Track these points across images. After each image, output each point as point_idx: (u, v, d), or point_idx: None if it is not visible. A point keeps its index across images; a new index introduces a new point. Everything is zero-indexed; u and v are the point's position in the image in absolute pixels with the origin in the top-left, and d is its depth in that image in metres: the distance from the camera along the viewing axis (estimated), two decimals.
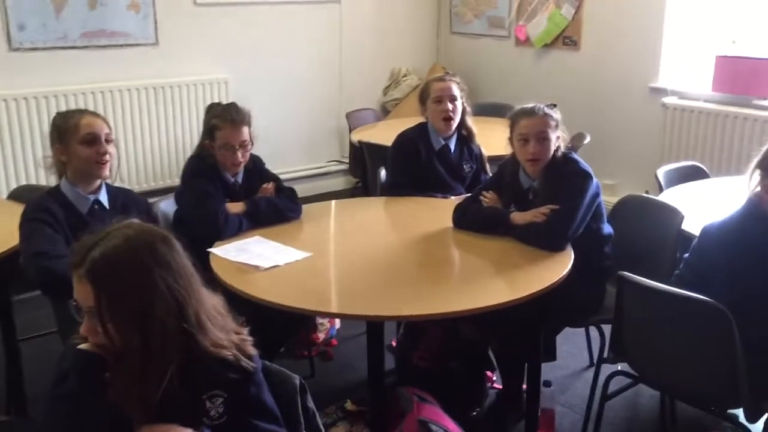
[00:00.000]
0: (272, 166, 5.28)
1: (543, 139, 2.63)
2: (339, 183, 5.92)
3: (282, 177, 5.33)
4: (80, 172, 2.44)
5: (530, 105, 2.70)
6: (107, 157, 2.44)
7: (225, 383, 1.49)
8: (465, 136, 3.38)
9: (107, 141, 2.45)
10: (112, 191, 2.55)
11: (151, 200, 3.13)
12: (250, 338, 1.58)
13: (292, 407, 1.68)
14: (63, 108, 4.53)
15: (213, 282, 2.38)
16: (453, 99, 3.26)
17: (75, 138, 2.40)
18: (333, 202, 3.32)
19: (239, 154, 2.82)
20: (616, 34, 5.05)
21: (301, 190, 5.50)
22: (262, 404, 1.57)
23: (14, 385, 2.82)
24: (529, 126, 2.64)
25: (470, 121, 3.38)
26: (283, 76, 5.54)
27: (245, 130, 2.84)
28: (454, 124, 3.29)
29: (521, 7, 5.61)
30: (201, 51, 5.12)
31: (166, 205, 2.99)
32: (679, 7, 4.75)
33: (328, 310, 2.19)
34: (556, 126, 2.67)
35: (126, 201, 2.53)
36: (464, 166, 3.37)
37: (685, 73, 4.83)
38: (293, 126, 5.69)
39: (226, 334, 1.52)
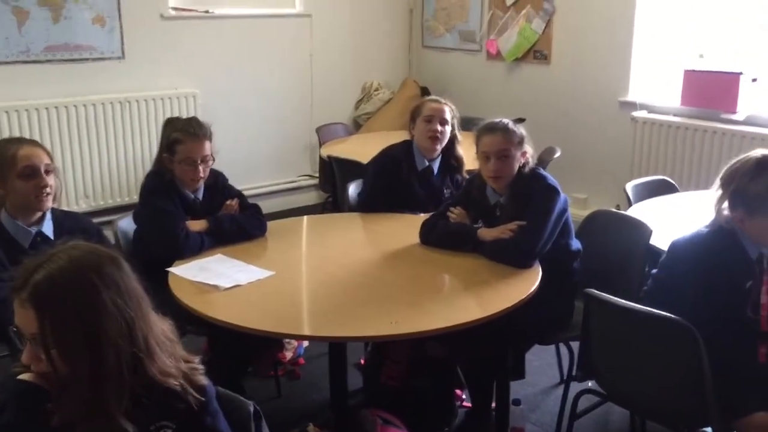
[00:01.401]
0: (242, 180, 5.22)
1: (504, 156, 2.61)
2: (310, 198, 5.86)
3: (252, 192, 5.42)
4: (19, 206, 2.35)
5: (493, 121, 2.67)
6: (47, 190, 2.35)
7: (174, 413, 1.43)
8: (454, 166, 3.35)
9: (47, 172, 2.35)
10: (58, 218, 2.46)
11: (112, 218, 3.07)
12: (200, 367, 1.52)
13: None
14: (25, 124, 4.47)
15: (165, 305, 2.32)
16: (443, 122, 3.24)
17: (12, 171, 2.29)
18: (300, 218, 3.27)
19: (200, 169, 2.76)
20: (586, 48, 5.06)
21: (272, 205, 5.49)
22: None
23: None
24: (490, 144, 2.62)
25: (461, 150, 3.35)
26: (253, 89, 5.49)
27: (207, 144, 2.78)
28: (440, 146, 3.26)
29: (492, 21, 5.62)
30: (169, 65, 5.05)
31: (126, 224, 2.92)
32: (648, 22, 4.78)
33: (287, 332, 2.14)
34: (520, 142, 2.65)
35: (73, 227, 2.43)
36: (445, 191, 3.33)
37: (654, 88, 4.86)
38: (264, 140, 5.63)
39: (175, 362, 1.46)
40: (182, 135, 2.75)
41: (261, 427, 1.67)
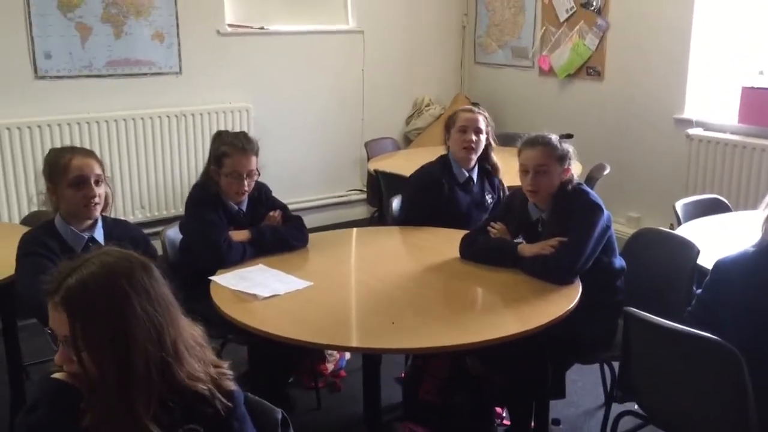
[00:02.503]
0: (293, 193, 5.31)
1: (542, 171, 2.58)
2: (360, 212, 5.90)
3: (302, 205, 5.49)
4: (70, 213, 2.42)
5: (535, 135, 2.65)
6: (96, 200, 2.40)
7: (202, 417, 1.46)
8: (488, 170, 3.35)
9: (97, 183, 2.41)
10: (109, 225, 2.53)
11: (157, 229, 3.14)
12: (229, 372, 1.54)
13: None
14: (86, 135, 4.63)
15: (209, 313, 2.36)
16: (478, 131, 3.23)
17: (64, 180, 2.37)
18: (342, 230, 3.30)
19: (245, 183, 2.81)
20: (640, 64, 4.97)
21: (322, 218, 5.56)
22: None
23: (18, 410, 2.82)
24: (529, 157, 2.60)
25: (495, 157, 3.35)
26: (305, 104, 5.57)
27: (253, 159, 2.84)
28: (475, 156, 3.25)
29: (545, 37, 5.58)
30: (224, 79, 5.17)
31: (174, 233, 2.99)
32: (705, 38, 4.67)
33: (322, 342, 2.14)
34: (562, 158, 2.61)
35: (122, 235, 2.49)
36: (486, 197, 3.33)
37: (711, 105, 4.73)
38: (314, 154, 5.70)
39: (204, 366, 1.49)
40: (230, 149, 2.81)
41: None
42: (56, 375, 1.43)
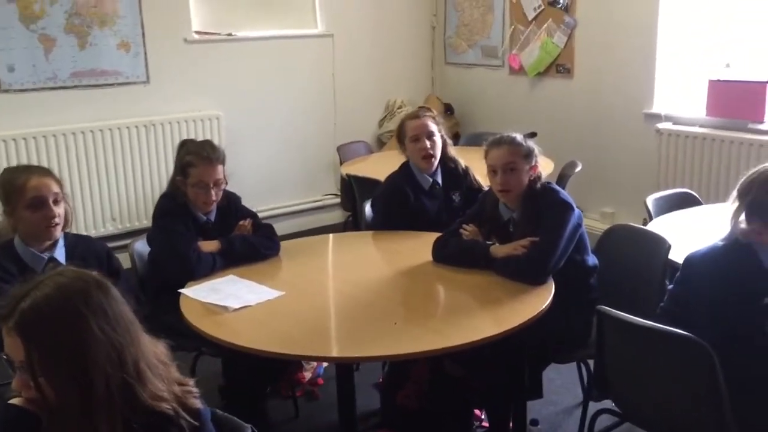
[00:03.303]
0: (267, 200, 5.27)
1: (510, 170, 2.58)
2: (335, 217, 5.86)
3: (277, 212, 5.46)
4: (29, 234, 2.36)
5: (500, 135, 2.64)
6: (56, 220, 2.34)
7: None
8: (452, 168, 3.29)
9: (56, 202, 2.34)
10: (71, 242, 2.47)
11: (128, 241, 3.09)
12: (195, 390, 1.51)
13: None
14: (53, 149, 4.57)
15: (180, 326, 2.33)
16: (430, 135, 3.17)
17: (21, 202, 2.30)
18: (314, 237, 3.27)
19: (213, 193, 2.77)
20: (609, 60, 5.00)
21: (298, 224, 5.53)
22: None
23: None
24: (496, 157, 2.60)
25: (453, 151, 3.30)
26: (277, 110, 5.53)
27: (220, 168, 2.80)
28: (435, 161, 3.20)
29: (514, 36, 5.59)
30: (192, 87, 5.12)
31: (141, 246, 2.94)
32: (671, 32, 4.70)
33: (294, 353, 2.12)
34: (527, 155, 2.61)
35: (85, 252, 2.45)
36: (453, 197, 3.29)
37: (680, 99, 4.76)
38: (288, 160, 5.66)
39: (168, 385, 1.45)
40: (195, 158, 2.77)
41: None
42: (14, 401, 1.39)
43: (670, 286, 2.34)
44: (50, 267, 2.36)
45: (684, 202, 3.39)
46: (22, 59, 4.44)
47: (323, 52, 5.70)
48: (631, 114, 4.91)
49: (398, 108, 6.03)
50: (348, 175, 4.19)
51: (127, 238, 4.32)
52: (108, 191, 4.83)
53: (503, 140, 2.62)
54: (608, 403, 2.39)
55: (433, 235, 2.85)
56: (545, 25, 5.31)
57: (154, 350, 1.47)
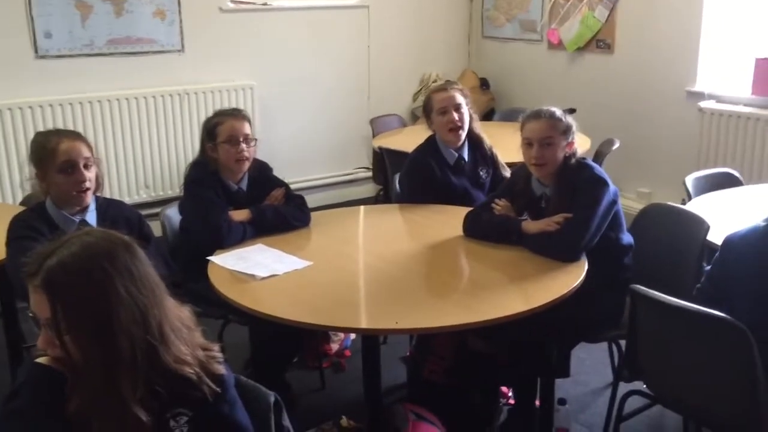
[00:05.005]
0: (299, 172, 5.25)
1: (547, 143, 2.51)
2: (367, 190, 5.83)
3: (309, 184, 5.45)
4: (61, 198, 2.36)
5: (539, 108, 2.58)
6: (86, 184, 2.33)
7: (190, 401, 1.42)
8: (475, 142, 3.23)
9: (87, 166, 2.33)
10: (102, 206, 2.46)
11: (160, 209, 3.10)
12: (219, 355, 1.49)
13: (265, 426, 1.59)
14: (88, 115, 4.59)
15: (208, 293, 2.33)
16: (458, 108, 3.11)
17: (52, 166, 2.29)
18: (345, 209, 3.24)
19: (243, 148, 2.75)
20: (651, 36, 4.86)
21: (329, 197, 5.51)
22: (235, 423, 1.48)
23: None
24: (533, 130, 2.53)
25: (478, 126, 3.24)
26: (310, 81, 5.50)
27: (246, 124, 2.80)
28: (463, 133, 3.15)
29: (554, 9, 5.46)
30: (227, 57, 5.10)
31: (173, 212, 2.95)
32: (717, 8, 4.55)
33: (320, 323, 2.10)
34: (566, 131, 2.54)
35: (116, 216, 2.45)
36: (480, 173, 3.24)
37: (724, 77, 4.62)
38: (320, 132, 5.64)
39: (192, 350, 1.44)
40: (221, 117, 2.79)
41: (282, 418, 1.64)
42: (40, 359, 1.39)
43: (708, 267, 2.27)
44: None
45: (725, 182, 3.29)
46: (59, 25, 4.46)
47: (358, 23, 5.63)
48: (672, 92, 4.78)
49: (433, 82, 5.94)
50: (380, 148, 4.15)
51: (159, 206, 4.29)
52: (141, 159, 4.86)
53: (542, 113, 2.56)
54: (639, 385, 2.35)
55: (464, 210, 2.81)
56: None
57: (178, 314, 1.46)
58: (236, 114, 2.80)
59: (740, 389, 1.95)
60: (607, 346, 3.11)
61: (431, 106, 3.16)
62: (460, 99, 3.14)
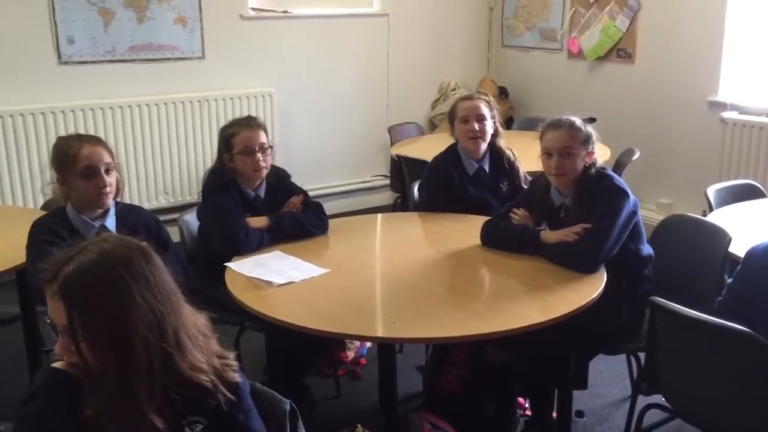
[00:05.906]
0: (316, 179, 5.25)
1: (567, 154, 2.49)
2: (384, 198, 5.83)
3: (326, 191, 5.45)
4: (82, 203, 2.38)
5: (558, 117, 2.56)
6: (107, 189, 2.35)
7: (205, 409, 1.42)
8: (498, 155, 3.21)
9: (107, 171, 2.36)
10: (122, 212, 2.48)
11: (178, 215, 3.11)
12: (234, 363, 1.49)
13: None
14: (109, 121, 4.63)
15: (225, 300, 2.33)
16: (481, 118, 3.10)
17: (73, 170, 2.31)
18: (362, 217, 3.24)
19: (260, 157, 2.76)
20: (673, 46, 4.82)
21: (346, 204, 5.52)
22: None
23: None
24: (553, 140, 2.51)
25: (502, 142, 3.22)
26: (330, 89, 5.51)
27: (262, 133, 2.80)
28: (483, 144, 3.13)
29: (574, 18, 5.44)
30: (247, 64, 5.13)
31: (191, 218, 2.96)
32: (740, 18, 4.51)
33: (335, 330, 2.09)
34: (585, 141, 2.52)
35: (135, 221, 2.46)
36: (501, 186, 3.22)
37: (747, 87, 4.57)
38: (339, 139, 5.65)
39: (207, 357, 1.44)
40: (236, 128, 2.80)
41: (297, 426, 1.64)
42: (57, 364, 1.40)
43: (729, 280, 2.24)
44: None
45: (747, 193, 3.25)
46: (82, 32, 4.51)
47: (378, 31, 5.64)
48: (694, 102, 4.74)
49: (452, 90, 5.94)
50: (398, 156, 4.15)
51: (178, 211, 4.32)
52: (162, 165, 4.90)
53: (562, 123, 2.54)
54: (658, 398, 2.32)
55: (482, 219, 2.79)
56: (608, 7, 5.15)
57: (194, 321, 1.46)
58: (251, 123, 2.80)
59: (762, 405, 1.92)
60: (625, 358, 3.08)
61: (455, 113, 3.17)
62: (484, 110, 3.13)
